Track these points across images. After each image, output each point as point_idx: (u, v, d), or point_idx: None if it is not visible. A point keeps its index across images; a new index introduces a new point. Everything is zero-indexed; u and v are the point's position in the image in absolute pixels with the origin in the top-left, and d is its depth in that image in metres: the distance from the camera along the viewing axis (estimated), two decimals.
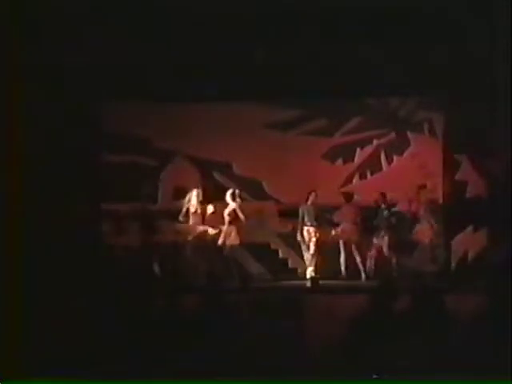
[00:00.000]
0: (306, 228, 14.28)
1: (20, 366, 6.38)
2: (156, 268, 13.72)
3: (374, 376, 6.16)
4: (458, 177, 14.74)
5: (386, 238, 14.12)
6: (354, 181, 15.05)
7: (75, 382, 6.17)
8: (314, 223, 14.23)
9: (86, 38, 12.86)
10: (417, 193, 14.34)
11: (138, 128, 14.74)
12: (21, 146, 10.50)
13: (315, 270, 14.06)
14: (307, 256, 14.25)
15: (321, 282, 13.66)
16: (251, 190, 14.89)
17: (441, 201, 14.68)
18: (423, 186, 14.47)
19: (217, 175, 15.14)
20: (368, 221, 14.37)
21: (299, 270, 14.55)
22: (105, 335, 6.72)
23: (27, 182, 10.69)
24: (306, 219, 14.29)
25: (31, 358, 6.46)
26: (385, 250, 14.13)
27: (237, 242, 14.08)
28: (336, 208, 14.68)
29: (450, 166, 14.73)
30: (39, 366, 6.31)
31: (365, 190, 14.84)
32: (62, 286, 9.45)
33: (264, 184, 15.00)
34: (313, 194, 14.28)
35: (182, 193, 14.75)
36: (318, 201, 14.37)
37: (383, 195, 14.33)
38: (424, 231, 14.13)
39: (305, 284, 13.80)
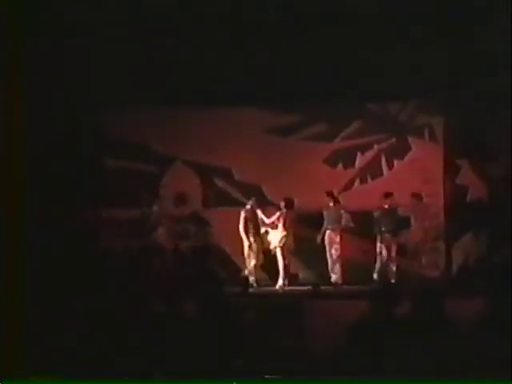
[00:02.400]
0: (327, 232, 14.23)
1: (20, 366, 6.36)
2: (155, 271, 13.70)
3: None
4: (458, 181, 14.75)
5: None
6: (355, 185, 15.05)
7: (75, 382, 6.13)
8: (335, 227, 14.18)
9: (86, 42, 12.88)
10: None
11: (138, 134, 14.74)
12: (22, 151, 10.50)
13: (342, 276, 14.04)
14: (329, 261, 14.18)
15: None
16: (251, 195, 14.84)
17: (442, 205, 14.70)
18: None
19: (217, 180, 15.12)
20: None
21: (300, 275, 14.53)
22: (105, 335, 6.69)
23: (28, 187, 10.68)
24: (325, 223, 14.22)
25: (31, 358, 6.44)
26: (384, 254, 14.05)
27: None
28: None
29: (450, 171, 14.74)
30: (39, 366, 6.28)
31: (365, 195, 14.81)
32: (62, 287, 9.45)
33: (264, 189, 14.96)
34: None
35: (182, 198, 14.79)
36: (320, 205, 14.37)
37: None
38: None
39: (306, 289, 13.74)
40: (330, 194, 14.22)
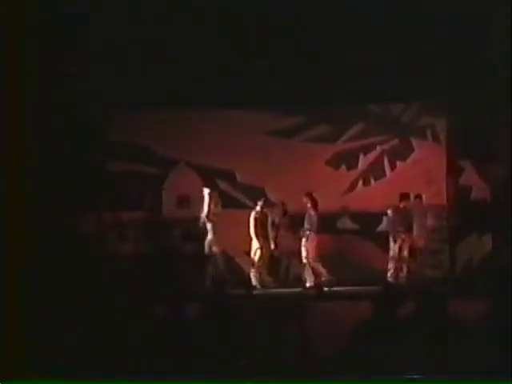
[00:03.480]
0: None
1: (20, 366, 6.35)
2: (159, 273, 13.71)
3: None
4: (461, 182, 14.73)
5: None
6: (358, 187, 15.02)
7: (75, 382, 6.12)
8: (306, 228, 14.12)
9: (88, 45, 12.90)
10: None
11: (141, 136, 14.74)
12: (22, 153, 10.51)
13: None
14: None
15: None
16: (254, 196, 14.82)
17: (445, 206, 14.68)
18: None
19: (220, 183, 15.12)
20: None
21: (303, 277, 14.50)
22: (105, 335, 6.68)
23: (30, 190, 10.70)
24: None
25: (31, 358, 6.43)
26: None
27: None
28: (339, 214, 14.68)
29: (453, 172, 14.72)
30: (39, 365, 6.27)
31: (368, 196, 14.79)
32: (62, 287, 9.45)
33: (267, 191, 14.93)
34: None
35: (185, 201, 14.80)
36: (323, 207, 14.37)
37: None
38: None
39: (308, 290, 13.70)
40: (308, 195, 14.16)
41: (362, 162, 15.06)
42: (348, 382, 5.83)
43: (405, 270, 13.89)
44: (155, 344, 6.61)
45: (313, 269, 14.04)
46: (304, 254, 14.05)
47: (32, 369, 6.24)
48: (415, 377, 5.73)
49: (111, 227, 14.44)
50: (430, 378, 5.73)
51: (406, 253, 13.92)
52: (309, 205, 14.07)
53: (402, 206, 14.00)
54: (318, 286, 13.62)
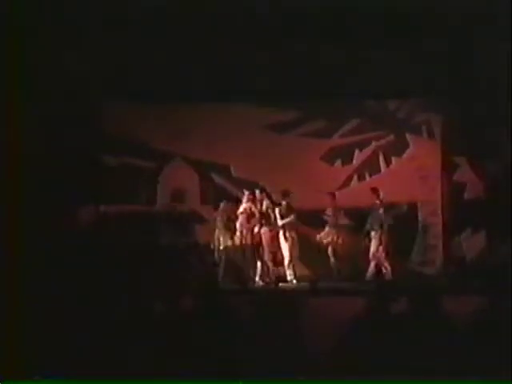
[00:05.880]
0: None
1: (20, 366, 6.35)
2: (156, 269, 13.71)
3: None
4: (456, 178, 14.76)
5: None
6: (353, 182, 15.04)
7: (75, 381, 6.14)
8: None
9: (86, 39, 12.89)
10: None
11: (137, 130, 14.73)
12: (20, 148, 10.51)
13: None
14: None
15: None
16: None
17: (439, 202, 14.73)
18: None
19: (215, 177, 15.12)
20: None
21: (297, 273, 14.51)
22: (105, 335, 6.68)
23: (27, 184, 10.70)
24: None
25: (31, 358, 6.44)
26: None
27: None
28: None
29: (448, 168, 14.75)
30: (39, 366, 6.28)
31: (363, 192, 14.81)
32: (62, 287, 9.44)
33: (262, 186, 14.90)
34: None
35: (180, 195, 14.82)
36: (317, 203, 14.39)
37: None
38: None
39: (303, 286, 13.72)
40: (263, 191, 14.22)
41: (357, 157, 15.08)
42: (343, 381, 5.84)
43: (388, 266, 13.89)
44: (154, 342, 6.62)
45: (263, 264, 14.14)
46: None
47: (32, 369, 6.24)
48: (412, 376, 5.75)
49: (107, 221, 14.45)
50: (427, 378, 5.75)
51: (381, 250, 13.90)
52: (267, 200, 14.09)
53: (377, 201, 13.98)
54: (311, 281, 13.65)
